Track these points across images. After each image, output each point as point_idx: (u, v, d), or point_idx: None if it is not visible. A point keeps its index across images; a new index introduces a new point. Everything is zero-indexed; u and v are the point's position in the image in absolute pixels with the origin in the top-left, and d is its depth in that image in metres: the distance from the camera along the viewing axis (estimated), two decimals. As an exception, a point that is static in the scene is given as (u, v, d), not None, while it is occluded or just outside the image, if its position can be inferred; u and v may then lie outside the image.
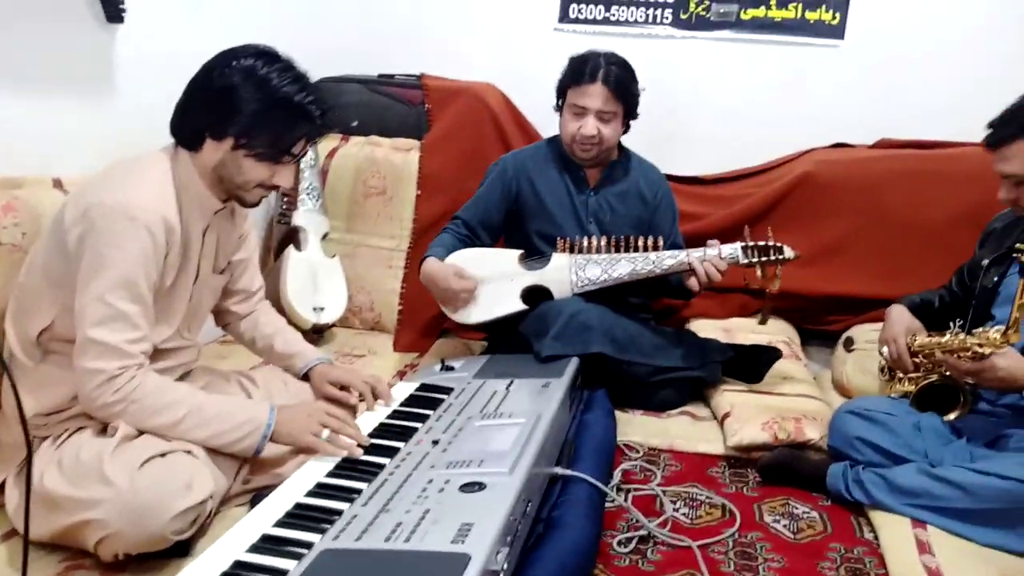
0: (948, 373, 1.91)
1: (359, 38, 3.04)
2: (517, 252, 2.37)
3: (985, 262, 1.99)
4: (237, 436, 1.53)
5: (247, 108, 1.48)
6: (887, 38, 2.79)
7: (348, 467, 1.52)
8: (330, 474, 1.49)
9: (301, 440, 1.56)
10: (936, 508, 1.73)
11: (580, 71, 2.29)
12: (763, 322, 2.48)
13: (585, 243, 2.31)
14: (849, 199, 2.68)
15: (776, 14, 2.85)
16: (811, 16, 2.83)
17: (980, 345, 1.79)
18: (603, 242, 2.30)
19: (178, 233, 1.52)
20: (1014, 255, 1.82)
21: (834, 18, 2.82)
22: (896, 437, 1.89)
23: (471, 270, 2.29)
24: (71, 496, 1.39)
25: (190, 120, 1.54)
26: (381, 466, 1.50)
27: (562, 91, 2.35)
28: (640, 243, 2.29)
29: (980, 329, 1.84)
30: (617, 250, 2.29)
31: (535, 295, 2.30)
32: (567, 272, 2.29)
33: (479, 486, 1.37)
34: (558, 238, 2.34)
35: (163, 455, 1.44)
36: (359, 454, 1.55)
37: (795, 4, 2.84)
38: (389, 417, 1.78)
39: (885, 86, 2.81)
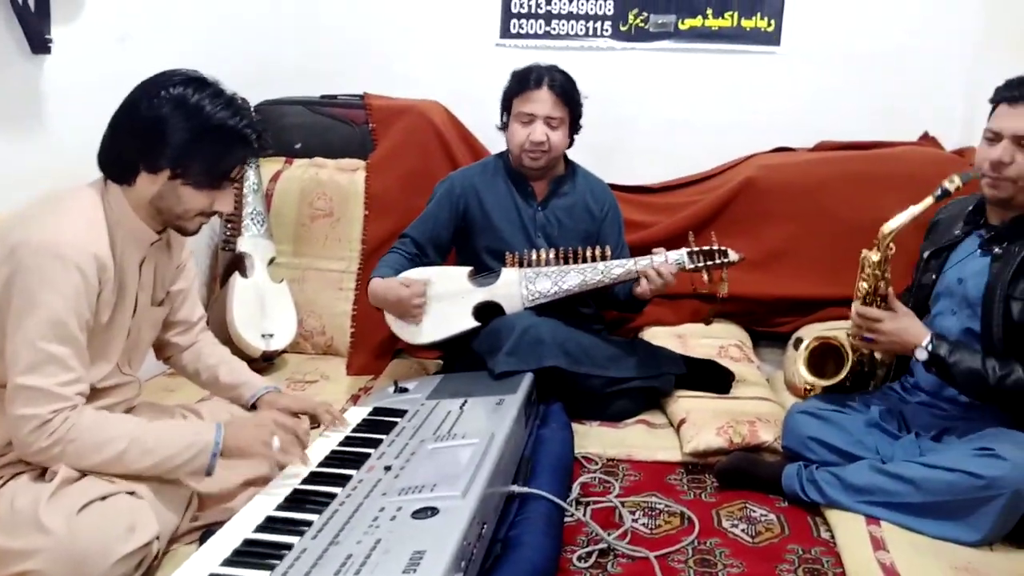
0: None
1: (299, 60, 3.01)
2: (466, 269, 2.36)
3: (926, 255, 2.03)
4: (185, 458, 1.49)
5: (181, 138, 1.45)
6: (820, 43, 2.86)
7: (298, 499, 1.49)
8: (280, 507, 1.46)
9: (252, 451, 1.54)
10: (888, 504, 1.75)
11: (525, 80, 2.33)
12: (708, 323, 2.51)
13: (534, 256, 2.31)
14: (792, 202, 2.72)
15: (713, 23, 2.90)
16: (747, 24, 2.88)
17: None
18: (551, 255, 2.31)
19: (111, 270, 1.48)
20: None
21: (769, 25, 2.87)
22: (847, 435, 1.91)
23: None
24: (5, 547, 1.34)
25: (120, 154, 1.51)
26: (332, 496, 1.47)
27: (507, 103, 2.37)
28: (588, 254, 2.30)
29: None
30: (566, 262, 2.30)
31: (487, 311, 2.29)
32: (517, 287, 2.29)
33: (432, 511, 1.36)
34: (507, 253, 2.34)
35: (103, 498, 1.40)
36: (309, 462, 1.54)
37: (731, 13, 2.89)
38: (341, 444, 1.75)
39: (821, 90, 2.87)
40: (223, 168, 1.52)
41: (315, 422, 1.82)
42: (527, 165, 2.38)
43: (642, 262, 2.24)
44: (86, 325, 1.45)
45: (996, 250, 1.83)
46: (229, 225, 2.72)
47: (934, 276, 1.96)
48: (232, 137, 1.49)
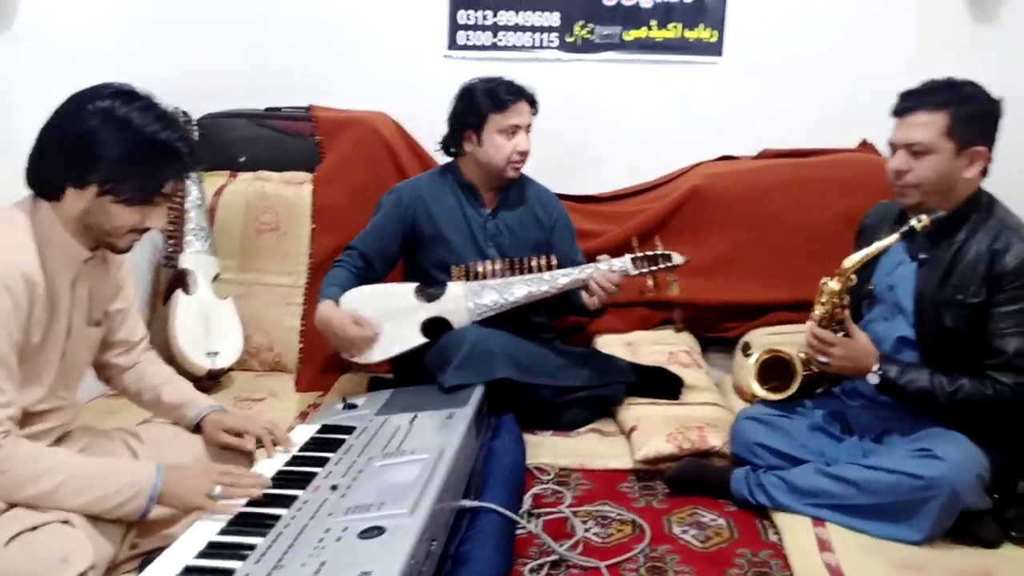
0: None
1: (244, 72, 2.96)
2: (412, 285, 2.34)
3: None
4: (120, 500, 1.44)
5: (109, 153, 1.41)
6: (761, 53, 2.91)
7: (242, 522, 1.45)
8: (223, 531, 1.42)
9: (191, 502, 1.48)
10: (833, 506, 1.79)
11: (498, 95, 2.33)
12: (679, 331, 2.52)
13: (480, 268, 2.31)
14: (737, 209, 2.76)
15: (657, 35, 2.94)
16: (690, 35, 2.93)
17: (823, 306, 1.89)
18: (498, 266, 2.30)
19: (41, 287, 1.43)
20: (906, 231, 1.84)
21: (712, 36, 2.92)
22: (792, 439, 1.94)
23: (367, 308, 2.26)
24: (-69, 583, 1.28)
25: (47, 170, 1.46)
26: (277, 518, 1.44)
27: (479, 120, 2.34)
28: (535, 263, 2.30)
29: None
30: (512, 272, 2.30)
31: (435, 327, 2.28)
32: (464, 301, 2.28)
33: (378, 531, 1.34)
34: (452, 266, 2.33)
35: (34, 528, 1.34)
36: (258, 495, 1.50)
37: (675, 24, 2.93)
38: (288, 464, 1.71)
39: (764, 98, 2.92)
40: (154, 184, 1.47)
41: (262, 441, 1.77)
42: (510, 175, 2.39)
43: (587, 270, 2.24)
44: (16, 346, 1.40)
45: (922, 255, 1.87)
46: (171, 241, 2.66)
47: (865, 283, 1.98)
48: (163, 152, 1.45)
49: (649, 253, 2.23)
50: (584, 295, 2.23)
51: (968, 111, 1.77)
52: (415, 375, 2.30)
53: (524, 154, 2.37)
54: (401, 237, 2.41)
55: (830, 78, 2.87)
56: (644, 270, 2.23)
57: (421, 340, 2.27)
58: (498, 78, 2.39)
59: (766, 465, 1.93)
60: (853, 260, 1.87)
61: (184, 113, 2.69)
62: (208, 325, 2.58)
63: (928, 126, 1.78)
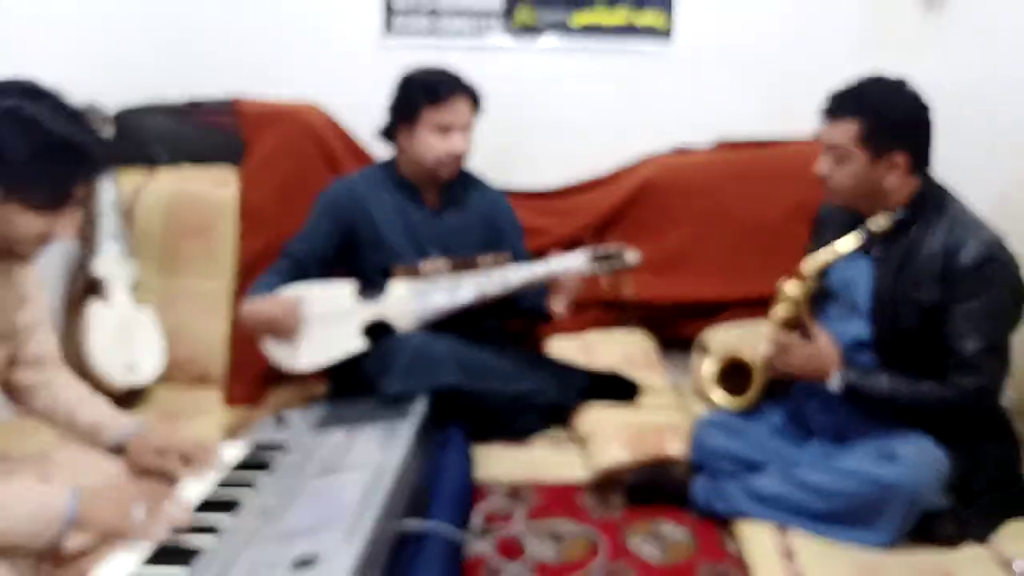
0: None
1: (161, 62, 2.76)
2: (351, 283, 2.21)
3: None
4: (32, 530, 1.32)
5: (14, 155, 1.32)
6: (712, 40, 2.84)
7: (164, 553, 1.34)
8: (145, 562, 1.32)
9: (112, 524, 1.38)
10: (794, 511, 1.76)
11: (435, 88, 2.19)
12: (629, 319, 2.46)
13: (425, 266, 2.18)
14: (692, 203, 2.70)
15: (604, 20, 2.85)
16: (639, 20, 2.85)
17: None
18: (443, 264, 2.18)
19: None
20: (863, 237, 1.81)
21: (661, 21, 2.85)
22: (752, 444, 1.90)
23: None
24: None
25: None
26: (203, 547, 1.33)
27: (411, 113, 2.21)
28: (483, 261, 2.18)
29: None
30: (459, 270, 2.18)
31: (376, 331, 2.15)
32: (408, 302, 2.15)
33: (312, 560, 1.25)
34: (394, 264, 2.20)
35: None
36: (184, 523, 1.40)
37: (621, 7, 2.84)
38: (215, 485, 1.58)
39: (717, 87, 2.85)
40: (63, 188, 1.39)
41: (188, 462, 1.65)
42: (442, 177, 2.26)
43: (538, 268, 2.16)
44: None
45: (876, 253, 1.83)
46: (85, 245, 2.47)
47: (821, 279, 1.94)
48: (73, 153, 1.37)
49: (600, 251, 2.16)
50: (552, 299, 2.16)
51: (881, 119, 1.75)
52: (353, 385, 2.16)
53: (457, 156, 2.24)
54: (338, 240, 2.28)
55: (783, 66, 2.81)
56: (598, 267, 2.15)
57: (360, 345, 2.14)
58: (440, 70, 2.25)
59: (727, 471, 1.88)
60: (813, 264, 1.84)
61: (99, 109, 2.50)
62: (126, 336, 2.40)
63: (844, 132, 1.77)
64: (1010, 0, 2.68)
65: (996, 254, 1.71)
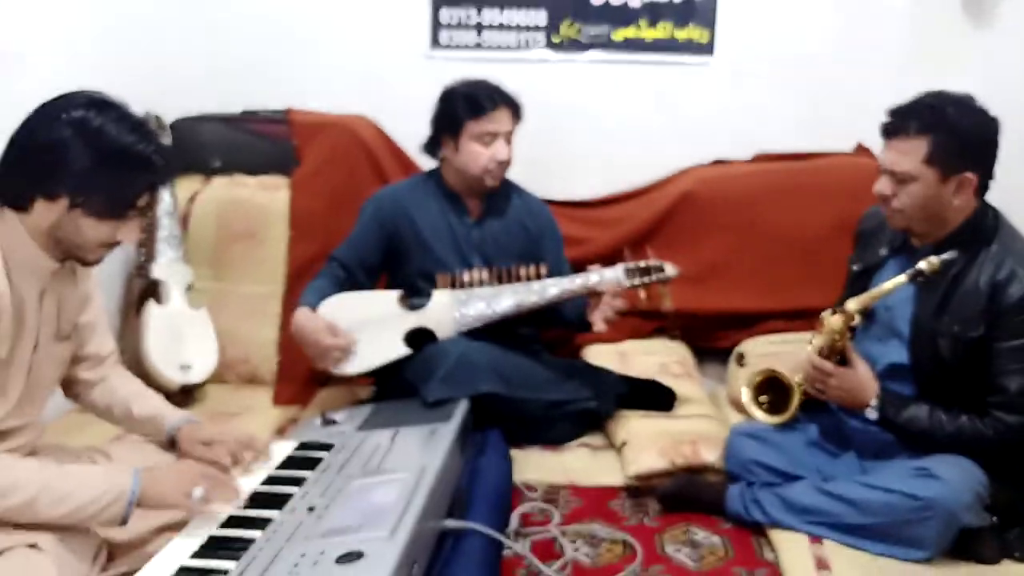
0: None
1: (218, 75, 2.88)
2: (396, 293, 2.27)
3: (855, 268, 1.99)
4: (99, 507, 1.38)
5: (81, 164, 1.36)
6: (753, 53, 2.86)
7: (214, 545, 1.38)
8: (195, 554, 1.36)
9: (171, 500, 1.44)
10: (830, 524, 1.74)
11: (478, 101, 2.25)
12: (674, 338, 2.46)
13: (466, 276, 2.23)
14: (730, 215, 2.71)
15: (647, 34, 2.88)
16: (680, 35, 2.87)
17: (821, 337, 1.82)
18: (485, 275, 2.23)
19: (7, 298, 1.37)
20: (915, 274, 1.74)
21: (703, 36, 2.87)
22: (788, 456, 1.89)
23: (346, 317, 2.19)
24: None
25: (15, 180, 1.40)
26: (251, 541, 1.37)
27: (456, 126, 2.26)
28: (523, 272, 2.23)
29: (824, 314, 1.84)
30: (500, 281, 2.23)
31: (418, 338, 2.20)
32: (450, 310, 2.21)
33: (356, 555, 1.27)
34: (438, 274, 2.25)
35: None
36: (239, 506, 1.47)
37: (665, 23, 2.87)
38: (263, 483, 1.63)
39: (757, 100, 2.87)
40: (127, 196, 1.43)
41: (237, 455, 1.70)
42: (488, 185, 2.31)
43: (577, 281, 2.19)
44: None
45: (921, 279, 1.76)
46: (142, 250, 2.57)
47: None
48: (137, 163, 1.41)
49: (642, 264, 2.18)
50: (592, 313, 2.18)
51: (952, 137, 1.66)
52: (397, 388, 2.22)
53: (502, 163, 2.29)
54: (383, 247, 2.34)
55: (825, 79, 2.82)
56: (636, 282, 2.17)
57: (404, 351, 2.19)
58: (481, 81, 2.31)
59: (762, 482, 1.87)
60: (858, 302, 1.78)
61: (157, 118, 2.61)
62: (181, 337, 2.50)
63: (909, 154, 1.68)
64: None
65: None
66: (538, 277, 2.23)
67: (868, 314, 1.87)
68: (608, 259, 2.31)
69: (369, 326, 2.20)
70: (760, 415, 1.96)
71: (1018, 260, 1.68)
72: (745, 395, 1.99)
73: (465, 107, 2.25)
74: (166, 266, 2.56)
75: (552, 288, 2.20)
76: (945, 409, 1.71)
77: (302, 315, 2.18)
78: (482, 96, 2.26)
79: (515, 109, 2.30)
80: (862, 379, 1.78)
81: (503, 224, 2.40)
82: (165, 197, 2.58)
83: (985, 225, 1.74)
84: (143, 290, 2.58)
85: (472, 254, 2.35)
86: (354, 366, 2.20)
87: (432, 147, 2.37)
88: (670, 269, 2.19)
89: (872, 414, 1.76)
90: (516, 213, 2.42)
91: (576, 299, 2.24)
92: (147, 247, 2.56)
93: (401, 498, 1.45)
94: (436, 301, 2.22)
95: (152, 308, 2.49)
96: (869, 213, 2.00)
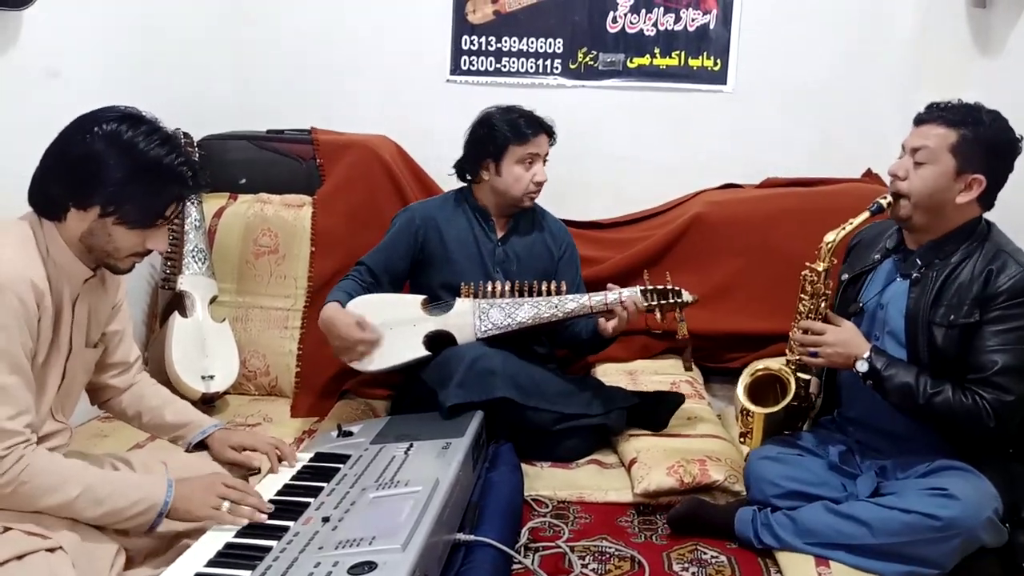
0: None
1: (244, 94, 2.97)
2: (420, 297, 2.33)
3: (844, 278, 2.04)
4: (133, 513, 1.46)
5: (113, 176, 1.42)
6: (765, 82, 2.91)
7: (230, 554, 1.42)
8: (210, 563, 1.39)
9: (199, 514, 1.50)
10: (844, 546, 1.74)
11: (519, 127, 2.35)
12: (689, 368, 2.48)
13: (489, 288, 2.30)
14: (740, 238, 2.74)
15: (661, 62, 2.95)
16: (694, 63, 2.93)
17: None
18: (507, 287, 2.30)
19: (48, 298, 1.44)
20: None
21: (716, 64, 2.92)
22: (809, 475, 1.89)
23: (372, 315, 2.25)
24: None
25: (50, 190, 1.47)
26: (267, 549, 1.41)
27: (499, 151, 2.35)
28: (543, 288, 2.30)
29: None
30: (520, 295, 2.29)
31: (438, 341, 2.26)
32: (470, 317, 2.27)
33: (369, 567, 1.30)
34: (462, 284, 2.32)
35: (20, 557, 1.33)
36: (264, 519, 1.52)
37: (678, 52, 2.94)
38: (279, 493, 1.68)
39: (767, 127, 2.92)
40: (157, 207, 1.48)
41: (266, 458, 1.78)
42: (525, 204, 2.41)
43: (595, 298, 2.24)
44: (29, 354, 1.41)
45: (914, 275, 1.84)
46: (169, 263, 2.64)
47: (854, 301, 1.96)
48: (166, 175, 1.47)
49: (660, 287, 2.23)
50: (602, 320, 2.22)
51: (980, 138, 1.75)
52: (413, 397, 2.29)
53: (541, 184, 2.40)
54: (410, 256, 2.42)
55: (833, 107, 2.86)
56: (653, 304, 2.22)
57: (423, 353, 2.25)
58: (517, 108, 2.40)
59: (786, 505, 1.85)
60: (832, 236, 1.89)
61: (186, 135, 2.69)
62: (204, 348, 2.56)
63: (939, 137, 1.76)
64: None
65: None
66: (558, 293, 2.29)
67: (862, 312, 1.94)
68: (619, 279, 2.36)
69: (392, 326, 2.26)
70: (765, 409, 2.00)
71: (1010, 254, 1.76)
72: (743, 398, 2.03)
73: (510, 132, 2.35)
74: (192, 279, 2.62)
75: (570, 303, 2.25)
76: (934, 378, 1.74)
77: (332, 308, 2.24)
78: (524, 123, 2.36)
79: (551, 133, 2.41)
80: (851, 333, 1.83)
81: (526, 244, 2.47)
82: (192, 212, 2.65)
83: (979, 230, 1.81)
84: (169, 302, 2.64)
85: (495, 270, 2.42)
86: (375, 364, 2.26)
87: (470, 169, 2.44)
88: (687, 296, 2.23)
89: (863, 366, 1.78)
90: (540, 234, 2.50)
91: (591, 317, 2.28)
92: (174, 260, 2.63)
93: (414, 511, 1.47)
94: (458, 308, 2.28)
95: (177, 320, 2.55)
96: (865, 229, 2.05)
